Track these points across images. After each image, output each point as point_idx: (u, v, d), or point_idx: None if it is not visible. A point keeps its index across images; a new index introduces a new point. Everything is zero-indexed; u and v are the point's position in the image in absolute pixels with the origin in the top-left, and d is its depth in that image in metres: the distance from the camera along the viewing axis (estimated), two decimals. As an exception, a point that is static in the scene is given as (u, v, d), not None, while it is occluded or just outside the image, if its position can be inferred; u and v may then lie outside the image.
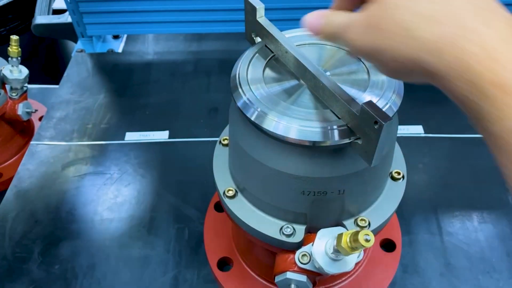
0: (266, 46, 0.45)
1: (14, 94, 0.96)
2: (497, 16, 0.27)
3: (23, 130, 1.08)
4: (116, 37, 1.12)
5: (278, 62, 0.45)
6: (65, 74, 1.02)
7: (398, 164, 0.50)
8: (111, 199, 0.76)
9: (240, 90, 0.41)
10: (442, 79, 0.28)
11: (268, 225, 0.46)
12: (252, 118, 0.39)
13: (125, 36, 1.13)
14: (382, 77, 0.41)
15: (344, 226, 0.45)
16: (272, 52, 0.45)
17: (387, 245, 0.64)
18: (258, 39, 0.47)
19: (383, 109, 0.37)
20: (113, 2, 0.98)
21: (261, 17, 0.44)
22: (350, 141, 0.37)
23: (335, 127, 0.37)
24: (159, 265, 0.67)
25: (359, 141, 0.36)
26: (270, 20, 0.44)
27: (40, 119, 1.10)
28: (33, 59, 1.42)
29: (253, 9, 0.44)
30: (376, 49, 0.30)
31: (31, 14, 1.17)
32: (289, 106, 0.39)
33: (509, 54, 0.25)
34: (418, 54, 0.28)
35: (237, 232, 0.62)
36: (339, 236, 0.38)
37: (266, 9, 0.44)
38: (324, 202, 0.42)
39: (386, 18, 0.29)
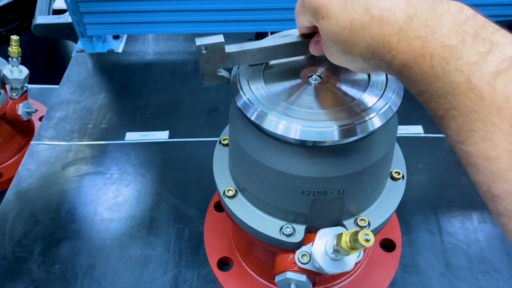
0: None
1: (14, 94, 0.96)
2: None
3: (23, 130, 1.08)
4: (116, 37, 1.12)
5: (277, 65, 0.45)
6: (65, 74, 1.02)
7: (398, 164, 0.50)
8: (111, 199, 0.76)
9: (240, 90, 0.41)
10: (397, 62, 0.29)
11: (268, 225, 0.46)
12: (252, 118, 0.39)
13: (125, 36, 1.13)
14: (382, 77, 0.41)
15: (344, 226, 0.45)
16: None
17: (387, 245, 0.64)
18: (223, 72, 0.43)
19: (383, 109, 0.38)
20: (113, 2, 0.98)
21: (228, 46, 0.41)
22: (350, 140, 0.37)
23: (335, 127, 0.37)
24: (159, 265, 0.67)
25: None
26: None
27: (40, 119, 1.10)
28: (33, 59, 1.42)
29: (218, 48, 0.40)
30: None
31: (31, 14, 1.17)
32: (289, 106, 0.39)
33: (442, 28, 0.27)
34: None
35: (237, 232, 0.62)
36: (339, 236, 0.38)
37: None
38: (324, 202, 0.42)
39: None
